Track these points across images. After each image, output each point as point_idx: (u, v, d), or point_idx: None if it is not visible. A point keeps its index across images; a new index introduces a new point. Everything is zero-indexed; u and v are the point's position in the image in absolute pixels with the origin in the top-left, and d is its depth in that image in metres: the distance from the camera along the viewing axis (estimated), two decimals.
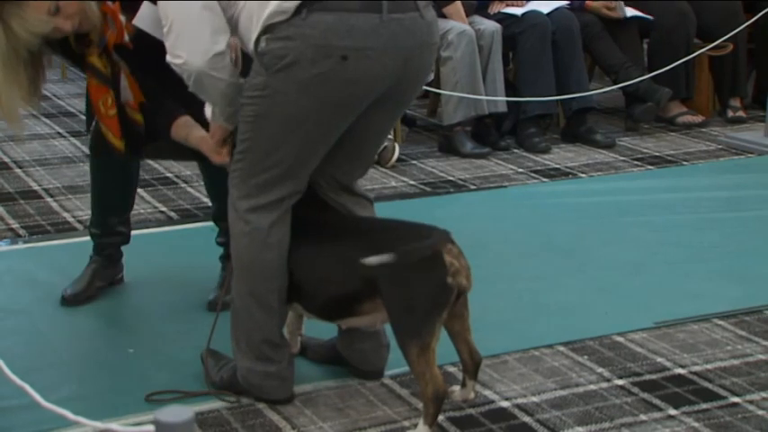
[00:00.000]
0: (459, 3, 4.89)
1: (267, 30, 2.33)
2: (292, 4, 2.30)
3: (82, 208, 4.02)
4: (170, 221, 3.93)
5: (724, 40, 5.23)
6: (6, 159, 4.71)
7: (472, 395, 2.58)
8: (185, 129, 2.80)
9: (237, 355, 2.58)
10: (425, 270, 2.34)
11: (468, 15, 4.94)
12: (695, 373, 2.75)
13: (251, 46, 2.39)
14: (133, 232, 3.33)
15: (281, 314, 2.55)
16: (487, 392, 2.64)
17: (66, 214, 3.97)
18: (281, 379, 2.57)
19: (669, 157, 4.84)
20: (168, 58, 2.43)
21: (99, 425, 1.84)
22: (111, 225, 3.22)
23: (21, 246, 3.67)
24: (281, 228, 2.48)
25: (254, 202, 2.47)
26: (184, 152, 2.89)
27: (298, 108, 2.36)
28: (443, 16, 4.87)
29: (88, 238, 3.32)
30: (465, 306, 2.46)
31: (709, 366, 2.79)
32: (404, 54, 2.37)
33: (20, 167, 4.58)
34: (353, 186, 2.63)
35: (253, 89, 2.40)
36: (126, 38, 2.78)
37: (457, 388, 2.59)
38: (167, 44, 2.43)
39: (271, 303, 2.51)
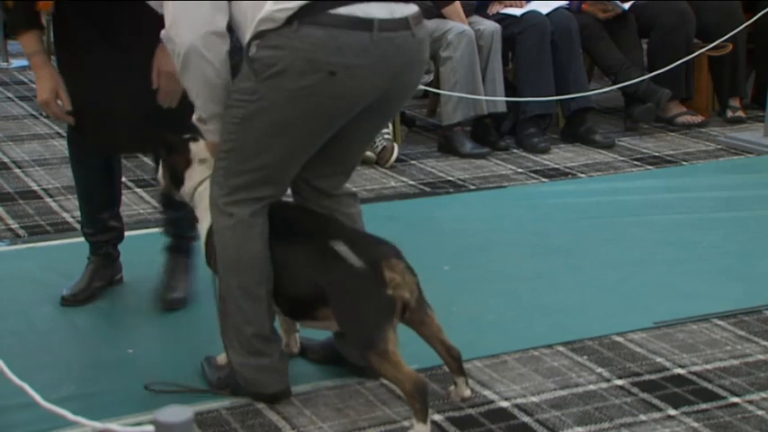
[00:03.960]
0: (458, 3, 4.89)
1: (258, 36, 2.33)
2: (283, 15, 2.29)
3: None
4: None
5: (723, 41, 5.23)
6: (6, 159, 4.71)
7: (468, 392, 2.56)
8: None
9: (230, 352, 2.58)
10: (364, 282, 2.37)
11: (467, 16, 4.93)
12: (695, 374, 2.75)
13: (244, 47, 2.40)
14: (133, 232, 3.33)
15: (270, 306, 2.56)
16: (487, 392, 2.64)
17: (65, 214, 3.97)
18: (275, 371, 2.57)
19: (668, 158, 4.84)
20: (162, 32, 2.42)
21: (98, 425, 1.84)
22: (102, 221, 3.22)
23: (20, 246, 3.67)
24: (260, 218, 2.50)
25: (235, 198, 2.48)
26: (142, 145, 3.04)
27: (283, 116, 2.37)
28: (443, 16, 4.87)
29: None
30: (424, 313, 2.46)
31: (708, 366, 2.79)
32: (393, 71, 2.38)
33: (19, 168, 4.58)
34: (335, 191, 2.64)
35: (241, 93, 2.40)
36: None
37: (452, 388, 2.58)
38: (165, 18, 2.42)
39: (259, 294, 2.51)
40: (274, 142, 2.41)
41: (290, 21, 2.29)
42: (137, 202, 4.11)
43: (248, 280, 2.50)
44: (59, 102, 2.95)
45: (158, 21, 2.46)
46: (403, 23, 2.37)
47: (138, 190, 4.24)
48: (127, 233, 3.32)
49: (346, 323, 2.43)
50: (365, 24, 2.31)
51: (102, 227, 3.23)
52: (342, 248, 2.40)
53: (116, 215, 3.26)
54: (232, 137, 2.45)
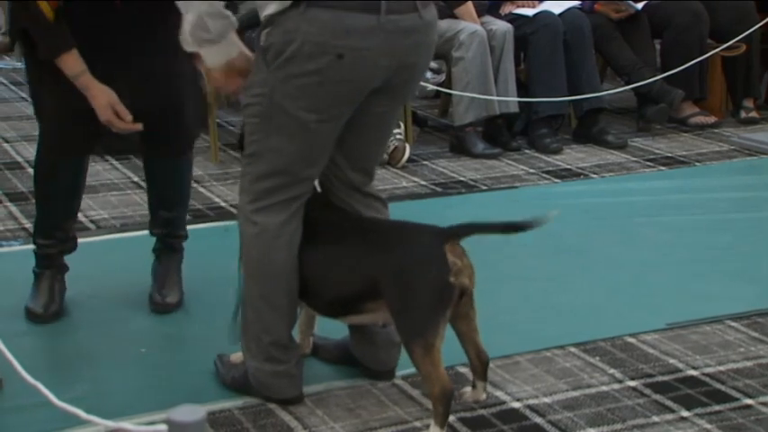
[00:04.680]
0: (470, 3, 4.88)
1: (267, 23, 2.34)
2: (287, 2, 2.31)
3: (94, 207, 4.03)
4: None
5: (737, 41, 5.21)
6: (19, 159, 4.73)
7: (483, 396, 2.57)
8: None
9: (246, 355, 2.59)
10: (427, 269, 2.34)
11: (479, 16, 4.93)
12: (708, 375, 2.74)
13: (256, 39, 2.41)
14: (142, 232, 3.32)
15: (291, 315, 2.55)
16: (499, 393, 2.64)
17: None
18: (290, 377, 2.57)
19: (681, 158, 4.83)
20: None
21: (111, 424, 1.85)
22: (65, 231, 3.15)
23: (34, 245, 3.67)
24: (290, 227, 2.48)
25: (261, 204, 2.47)
26: (130, 145, 2.93)
27: (297, 107, 2.37)
28: (455, 17, 4.87)
29: (99, 237, 3.33)
30: (471, 306, 2.45)
31: (721, 368, 2.78)
32: (399, 53, 2.37)
33: (33, 167, 4.58)
34: (364, 187, 2.63)
35: (255, 86, 2.41)
36: None
37: (468, 389, 2.58)
38: None
39: (281, 304, 2.51)
40: (295, 138, 2.41)
41: (297, 2, 2.29)
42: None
43: (270, 290, 2.49)
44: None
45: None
46: (410, 5, 2.36)
47: None
48: (135, 233, 3.33)
49: (400, 312, 2.36)
50: (372, 7, 2.31)
51: (64, 237, 3.15)
52: None
53: (74, 226, 3.21)
54: (255, 137, 2.45)
